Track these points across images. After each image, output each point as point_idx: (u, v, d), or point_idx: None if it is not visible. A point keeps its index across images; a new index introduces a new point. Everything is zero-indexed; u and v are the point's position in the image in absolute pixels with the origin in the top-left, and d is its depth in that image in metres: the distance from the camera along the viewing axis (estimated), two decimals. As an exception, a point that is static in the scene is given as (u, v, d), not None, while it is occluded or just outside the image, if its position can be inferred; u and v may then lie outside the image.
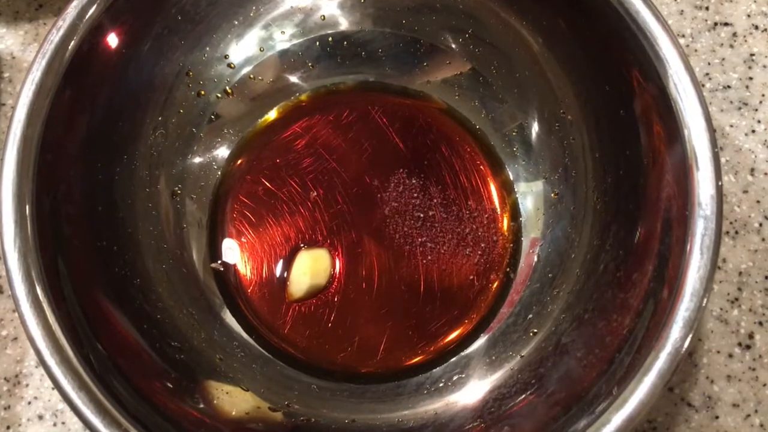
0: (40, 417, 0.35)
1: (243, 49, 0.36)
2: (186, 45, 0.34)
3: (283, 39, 0.37)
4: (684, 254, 0.27)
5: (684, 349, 0.26)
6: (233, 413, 0.31)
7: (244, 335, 0.35)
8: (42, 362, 0.27)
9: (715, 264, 0.27)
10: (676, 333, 0.26)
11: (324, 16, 0.37)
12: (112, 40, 0.31)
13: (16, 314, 0.35)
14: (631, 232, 0.30)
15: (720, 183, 0.27)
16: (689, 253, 0.27)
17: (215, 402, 0.31)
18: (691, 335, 0.26)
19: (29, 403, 0.35)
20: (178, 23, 0.33)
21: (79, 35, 0.29)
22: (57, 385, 0.26)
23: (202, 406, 0.31)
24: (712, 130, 0.27)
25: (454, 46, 0.37)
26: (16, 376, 0.35)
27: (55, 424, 0.35)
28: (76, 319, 0.28)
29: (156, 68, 0.33)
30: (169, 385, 0.30)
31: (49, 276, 0.27)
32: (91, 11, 0.30)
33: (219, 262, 0.36)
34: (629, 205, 0.31)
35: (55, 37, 0.29)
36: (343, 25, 0.37)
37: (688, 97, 0.28)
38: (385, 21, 0.37)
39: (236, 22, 0.35)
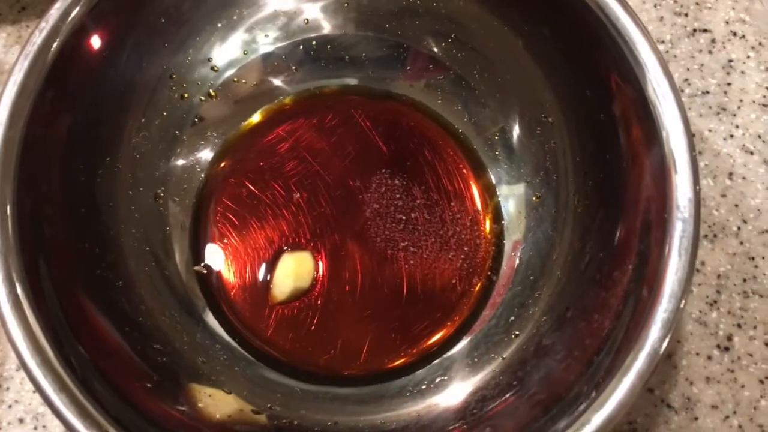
0: (21, 420, 0.35)
1: (226, 52, 0.36)
2: (169, 47, 0.34)
3: (267, 42, 0.37)
4: (663, 256, 0.27)
5: (662, 350, 0.26)
6: (216, 416, 0.31)
7: (227, 338, 0.35)
8: (22, 364, 0.26)
9: (693, 266, 0.27)
10: (654, 334, 0.26)
11: (307, 19, 0.37)
12: (95, 41, 0.31)
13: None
14: (611, 234, 0.31)
15: (698, 186, 0.27)
16: (668, 255, 0.27)
17: (198, 405, 0.31)
18: (669, 336, 0.26)
19: (10, 406, 0.35)
20: (161, 25, 0.33)
21: (62, 37, 0.29)
22: (37, 387, 0.26)
23: (184, 408, 0.30)
24: (689, 134, 0.28)
25: (436, 50, 0.37)
26: (-3, 379, 0.35)
27: (35, 428, 0.35)
28: (56, 320, 0.28)
29: (139, 70, 0.33)
30: (151, 387, 0.30)
31: (29, 277, 0.27)
32: (74, 13, 0.30)
33: (202, 264, 0.36)
34: (609, 208, 0.31)
35: (38, 38, 0.29)
36: (326, 28, 0.37)
37: (667, 101, 0.28)
38: (368, 25, 0.37)
39: (219, 25, 0.36)
